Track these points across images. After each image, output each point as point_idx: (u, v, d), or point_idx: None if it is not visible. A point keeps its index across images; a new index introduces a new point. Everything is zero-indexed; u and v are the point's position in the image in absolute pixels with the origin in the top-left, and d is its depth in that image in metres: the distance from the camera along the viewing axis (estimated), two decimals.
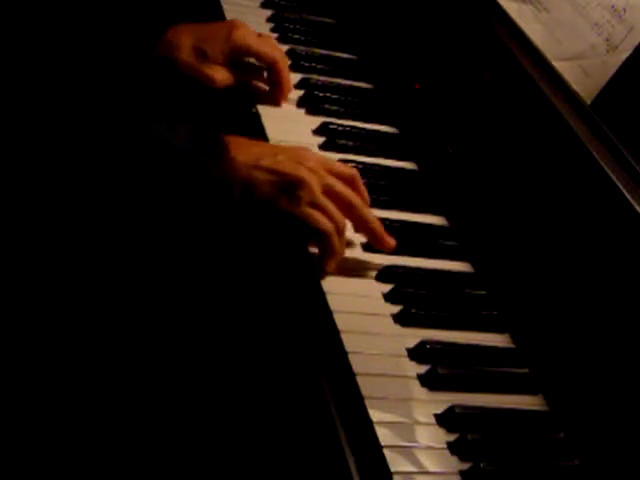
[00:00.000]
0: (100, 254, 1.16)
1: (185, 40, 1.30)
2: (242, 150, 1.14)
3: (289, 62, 1.44)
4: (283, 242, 1.16)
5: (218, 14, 1.49)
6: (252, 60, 1.36)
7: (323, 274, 1.13)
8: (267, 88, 1.36)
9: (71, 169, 1.08)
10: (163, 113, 1.16)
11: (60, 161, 1.08)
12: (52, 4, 1.22)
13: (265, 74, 1.36)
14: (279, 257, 1.17)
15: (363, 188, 1.19)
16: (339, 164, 1.20)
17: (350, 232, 1.20)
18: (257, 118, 1.32)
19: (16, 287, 1.16)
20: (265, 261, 1.19)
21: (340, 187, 1.15)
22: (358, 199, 1.16)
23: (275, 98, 1.35)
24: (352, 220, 1.16)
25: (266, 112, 1.33)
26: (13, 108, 1.08)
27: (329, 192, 1.14)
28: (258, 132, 1.30)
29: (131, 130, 1.11)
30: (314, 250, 1.15)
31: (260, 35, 1.37)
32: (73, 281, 1.19)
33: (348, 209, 1.15)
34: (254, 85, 1.36)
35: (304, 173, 1.12)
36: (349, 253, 1.18)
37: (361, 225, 1.16)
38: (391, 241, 1.17)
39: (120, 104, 1.14)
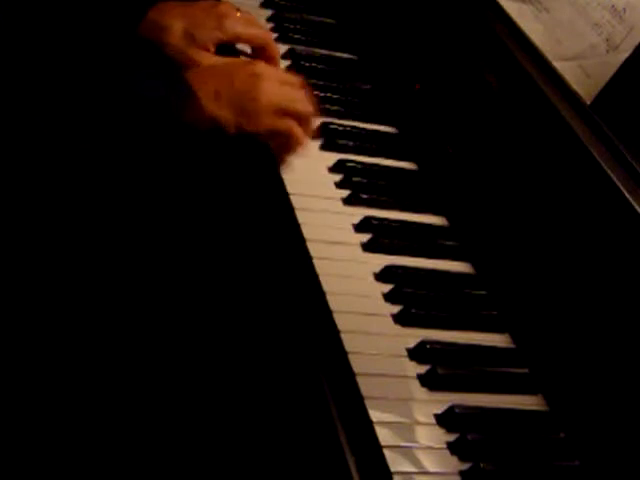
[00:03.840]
0: (89, 233, 1.18)
1: (173, 22, 1.28)
2: (203, 85, 1.18)
3: (289, 62, 1.44)
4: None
5: None
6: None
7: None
8: None
9: (50, 123, 1.09)
10: (136, 58, 1.18)
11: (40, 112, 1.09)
12: None
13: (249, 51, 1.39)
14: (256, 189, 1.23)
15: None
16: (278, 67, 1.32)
17: (350, 233, 1.20)
18: None
19: (11, 278, 1.16)
20: (263, 262, 1.19)
21: (292, 90, 1.25)
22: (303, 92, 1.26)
23: None
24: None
25: None
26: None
27: (285, 83, 1.25)
28: None
29: (106, 84, 1.13)
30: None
31: (239, 11, 1.37)
32: (62, 265, 1.19)
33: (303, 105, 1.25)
34: None
35: (257, 92, 1.21)
36: (349, 253, 1.18)
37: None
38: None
39: (97, 58, 1.15)
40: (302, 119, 1.25)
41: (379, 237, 1.20)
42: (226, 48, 1.33)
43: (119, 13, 1.27)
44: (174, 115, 1.14)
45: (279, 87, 1.24)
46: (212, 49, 1.30)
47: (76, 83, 1.11)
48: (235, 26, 1.33)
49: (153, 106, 1.14)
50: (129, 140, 1.13)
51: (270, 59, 1.36)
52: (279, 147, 1.23)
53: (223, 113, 1.18)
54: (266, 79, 1.23)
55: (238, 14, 1.34)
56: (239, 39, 1.35)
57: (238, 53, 1.36)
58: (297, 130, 1.23)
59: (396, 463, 0.96)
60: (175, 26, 1.28)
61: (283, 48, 1.47)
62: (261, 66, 1.26)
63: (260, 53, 1.37)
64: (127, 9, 1.28)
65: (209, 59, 1.30)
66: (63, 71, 1.11)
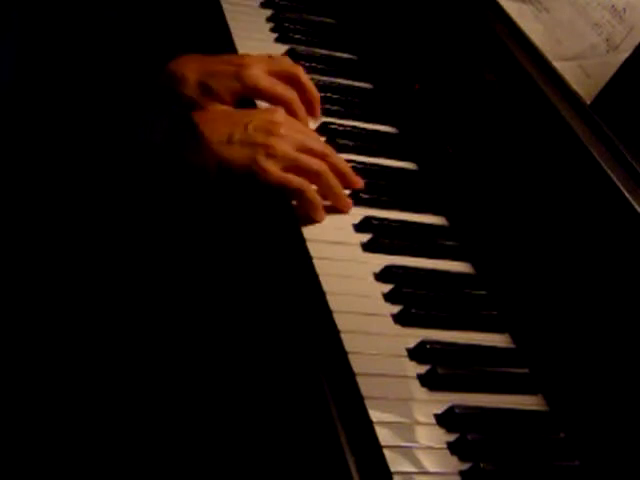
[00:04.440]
0: (90, 247, 1.17)
1: (190, 74, 1.23)
2: (214, 128, 1.15)
3: None
4: (271, 215, 1.19)
5: (218, 14, 1.49)
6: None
7: (312, 222, 1.18)
8: None
9: (57, 165, 1.09)
10: (143, 102, 1.16)
11: (48, 157, 1.09)
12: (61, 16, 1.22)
13: None
14: (269, 230, 1.20)
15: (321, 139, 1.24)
16: (302, 125, 1.25)
17: (350, 233, 1.20)
18: None
19: (12, 281, 1.16)
20: (262, 262, 1.19)
21: (312, 142, 1.20)
22: (328, 149, 1.22)
23: None
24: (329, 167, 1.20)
25: None
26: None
27: (303, 149, 1.19)
28: None
29: (111, 129, 1.11)
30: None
31: (271, 57, 1.31)
32: (67, 275, 1.19)
33: (322, 158, 1.20)
34: None
35: (272, 141, 1.16)
36: (349, 253, 1.18)
37: (335, 171, 1.21)
38: (359, 180, 1.24)
39: (104, 103, 1.14)
40: (322, 183, 1.19)
41: (379, 237, 1.20)
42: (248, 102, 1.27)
43: (138, 66, 1.25)
44: (180, 156, 1.12)
45: (298, 140, 1.18)
46: (228, 99, 1.24)
47: (81, 124, 1.11)
48: (256, 78, 1.25)
49: (156, 148, 1.11)
50: (134, 185, 1.11)
51: (295, 116, 1.26)
52: (296, 207, 1.18)
53: (234, 158, 1.14)
54: (284, 128, 1.18)
55: (266, 64, 1.26)
56: (259, 93, 1.26)
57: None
58: (311, 192, 1.17)
59: (396, 463, 0.96)
60: (190, 77, 1.23)
61: (283, 48, 1.48)
62: (281, 114, 1.20)
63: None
64: (147, 62, 1.25)
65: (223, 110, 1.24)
66: (72, 110, 1.11)
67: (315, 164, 1.19)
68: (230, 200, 1.18)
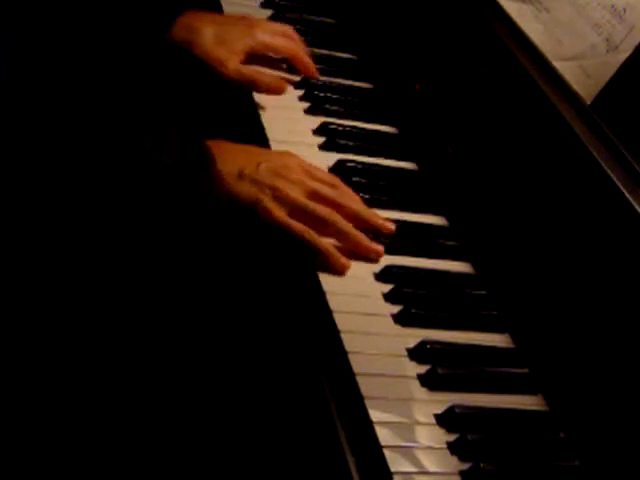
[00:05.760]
0: (97, 261, 1.17)
1: (206, 25, 1.32)
2: (227, 160, 1.15)
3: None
4: (275, 246, 1.17)
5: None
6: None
7: (338, 270, 1.14)
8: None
9: (65, 178, 1.09)
10: (155, 119, 1.17)
11: (55, 171, 1.08)
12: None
13: (284, 65, 1.42)
14: (272, 258, 1.18)
15: (347, 189, 1.21)
16: (322, 171, 1.22)
17: None
18: (257, 118, 1.32)
19: (16, 289, 1.16)
20: (262, 262, 1.19)
21: (325, 190, 1.18)
22: (345, 198, 1.19)
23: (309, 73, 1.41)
24: (345, 217, 1.17)
25: (266, 113, 1.33)
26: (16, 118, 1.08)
27: (314, 196, 1.16)
28: (258, 133, 1.30)
29: (122, 145, 1.12)
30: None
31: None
32: (72, 285, 1.19)
33: (337, 209, 1.17)
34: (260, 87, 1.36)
35: (280, 183, 1.15)
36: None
37: (354, 222, 1.18)
38: (388, 226, 1.20)
39: (114, 116, 1.15)
40: (332, 231, 1.16)
41: (379, 237, 1.20)
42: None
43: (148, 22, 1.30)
44: (190, 183, 1.12)
45: (310, 187, 1.17)
46: (241, 56, 1.33)
47: (92, 145, 1.11)
48: (264, 36, 1.36)
49: (166, 169, 1.12)
50: (139, 200, 1.12)
51: (301, 70, 1.39)
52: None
53: (240, 192, 1.14)
54: (296, 173, 1.17)
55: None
56: (268, 47, 1.37)
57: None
58: (313, 238, 1.14)
59: (396, 463, 0.96)
60: (206, 28, 1.32)
61: None
62: (295, 160, 1.20)
63: (292, 64, 1.40)
64: (155, 19, 1.31)
65: (235, 63, 1.31)
66: (79, 132, 1.12)
67: (323, 211, 1.16)
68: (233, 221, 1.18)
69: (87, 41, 1.26)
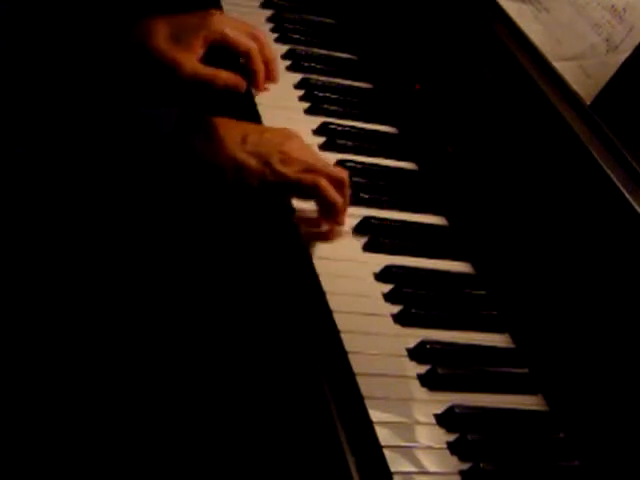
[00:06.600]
0: (97, 243, 1.17)
1: (160, 27, 1.25)
2: (229, 130, 1.16)
3: (289, 62, 1.44)
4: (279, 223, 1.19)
5: None
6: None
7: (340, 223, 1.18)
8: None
9: (68, 158, 1.08)
10: (152, 98, 1.17)
11: (57, 151, 1.08)
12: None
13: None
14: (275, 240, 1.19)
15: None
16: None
17: (350, 233, 1.20)
18: (257, 119, 1.32)
19: (14, 282, 1.16)
20: (262, 262, 1.19)
21: (320, 164, 1.19)
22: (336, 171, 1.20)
23: (255, 84, 1.33)
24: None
25: (266, 113, 1.33)
26: (12, 103, 1.08)
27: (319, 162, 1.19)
28: None
29: (121, 117, 1.12)
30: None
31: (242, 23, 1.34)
32: (71, 278, 1.19)
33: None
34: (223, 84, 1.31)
35: (286, 147, 1.17)
36: (349, 253, 1.18)
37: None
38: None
39: (111, 91, 1.14)
40: (335, 182, 1.19)
41: (379, 237, 1.20)
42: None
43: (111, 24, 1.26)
44: (195, 153, 1.13)
45: (311, 151, 1.21)
46: (199, 51, 1.26)
47: (93, 118, 1.11)
48: (221, 26, 1.28)
49: (164, 137, 1.12)
50: (140, 178, 1.12)
51: (251, 75, 1.30)
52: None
53: (247, 159, 1.15)
54: (298, 140, 1.20)
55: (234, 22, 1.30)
56: (225, 39, 1.28)
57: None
58: (327, 186, 1.17)
59: (396, 463, 0.96)
60: (160, 29, 1.25)
61: (283, 48, 1.48)
62: (295, 133, 1.22)
63: (247, 63, 1.31)
64: (119, 21, 1.26)
65: (192, 62, 1.25)
66: (77, 101, 1.11)
67: (335, 170, 1.19)
68: (236, 203, 1.19)
69: (68, 32, 1.24)
